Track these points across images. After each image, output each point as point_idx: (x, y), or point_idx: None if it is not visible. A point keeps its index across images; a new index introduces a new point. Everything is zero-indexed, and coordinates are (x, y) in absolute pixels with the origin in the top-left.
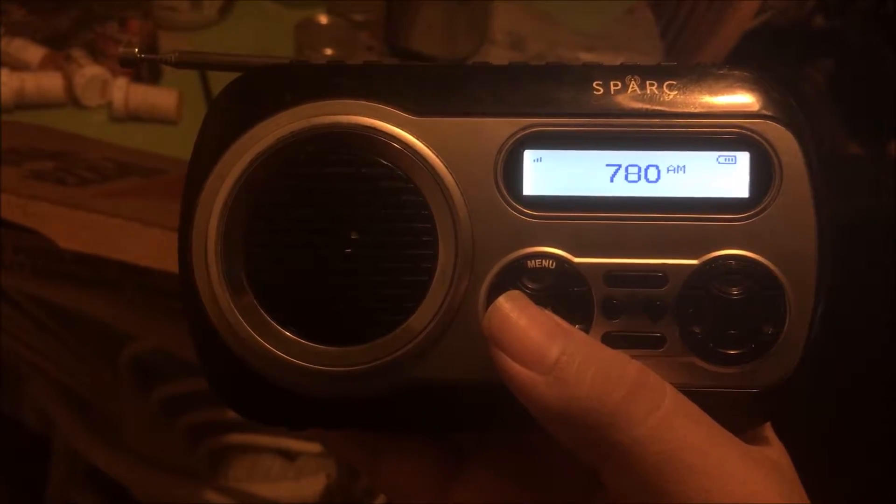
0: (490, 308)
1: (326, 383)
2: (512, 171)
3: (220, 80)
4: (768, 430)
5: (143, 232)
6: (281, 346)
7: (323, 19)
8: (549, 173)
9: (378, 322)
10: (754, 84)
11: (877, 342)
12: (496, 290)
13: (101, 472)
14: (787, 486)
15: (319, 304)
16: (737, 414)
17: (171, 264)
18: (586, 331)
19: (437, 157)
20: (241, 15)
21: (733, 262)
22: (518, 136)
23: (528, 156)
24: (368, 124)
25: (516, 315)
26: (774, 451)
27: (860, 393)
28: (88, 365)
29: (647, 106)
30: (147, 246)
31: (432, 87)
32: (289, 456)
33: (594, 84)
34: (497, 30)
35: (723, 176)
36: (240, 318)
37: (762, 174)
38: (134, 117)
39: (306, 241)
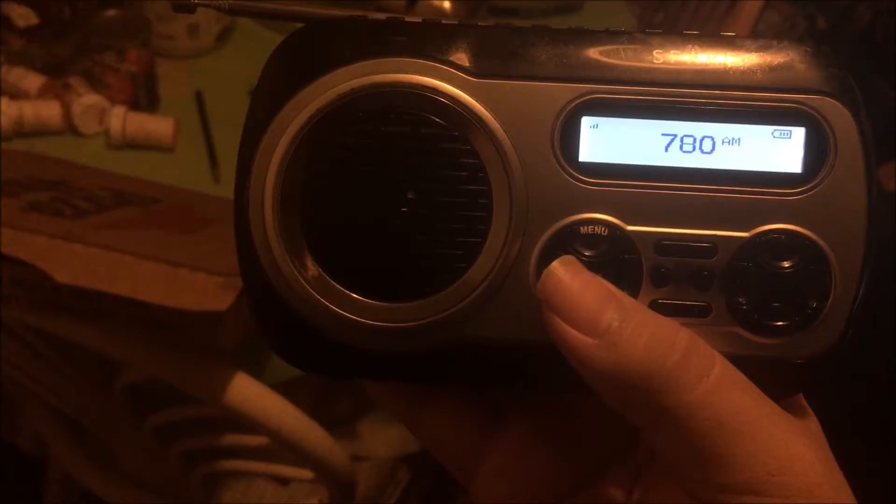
0: (544, 272)
1: (378, 337)
2: (569, 137)
3: (219, 109)
4: (802, 401)
5: (137, 266)
6: (335, 300)
7: None
8: (605, 140)
9: (431, 280)
10: (813, 59)
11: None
12: (548, 253)
13: (96, 497)
14: (824, 452)
15: (374, 260)
16: (776, 383)
17: (164, 297)
18: (634, 297)
19: (495, 119)
20: (238, 43)
21: (783, 237)
22: (576, 102)
23: (586, 122)
24: (428, 84)
25: (570, 279)
26: (810, 420)
27: (859, 422)
28: (84, 392)
29: (706, 77)
30: (141, 280)
31: (492, 49)
32: (282, 481)
33: (655, 52)
34: None
35: (777, 150)
36: (295, 272)
37: (817, 150)
38: (131, 145)
39: (363, 198)
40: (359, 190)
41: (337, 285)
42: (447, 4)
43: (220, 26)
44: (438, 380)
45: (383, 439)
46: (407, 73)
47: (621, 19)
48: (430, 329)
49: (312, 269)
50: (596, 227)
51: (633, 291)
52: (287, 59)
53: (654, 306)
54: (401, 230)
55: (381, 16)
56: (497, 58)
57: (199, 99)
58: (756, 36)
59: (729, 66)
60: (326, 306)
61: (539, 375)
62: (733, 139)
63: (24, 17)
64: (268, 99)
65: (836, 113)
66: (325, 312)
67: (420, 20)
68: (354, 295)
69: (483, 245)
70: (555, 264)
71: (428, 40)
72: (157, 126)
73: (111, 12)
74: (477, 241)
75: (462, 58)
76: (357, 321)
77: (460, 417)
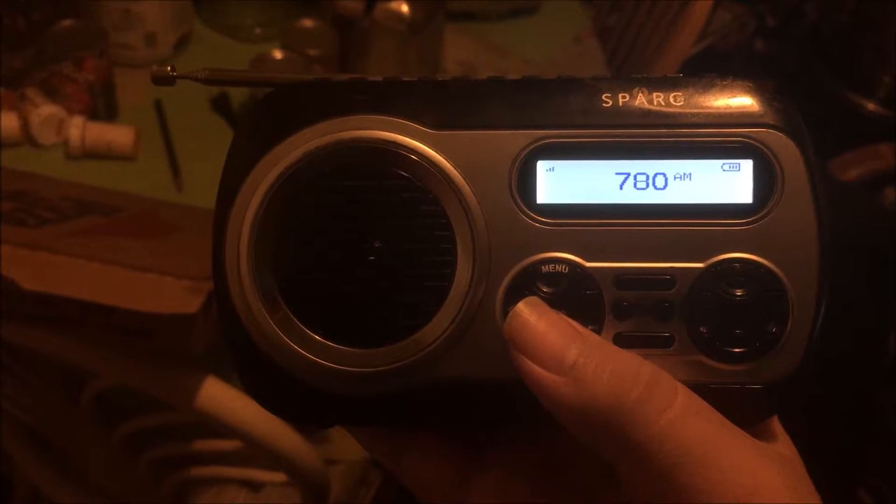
0: (510, 313)
1: (351, 383)
2: (526, 181)
3: (179, 117)
4: (776, 425)
5: (104, 271)
6: (309, 348)
7: (277, 54)
8: (561, 182)
9: (401, 325)
10: (757, 94)
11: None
12: (512, 294)
13: None
14: (796, 476)
15: (345, 308)
16: (743, 409)
17: (133, 302)
18: (598, 332)
19: (454, 168)
20: (196, 51)
21: (738, 265)
22: (531, 147)
23: (542, 166)
24: (389, 138)
25: (535, 319)
26: (782, 444)
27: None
28: (51, 404)
29: (655, 117)
30: (108, 285)
31: (449, 102)
32: (253, 486)
33: (603, 96)
34: (448, 60)
35: (727, 182)
36: (270, 322)
37: (765, 180)
38: (91, 155)
39: (332, 250)
40: (328, 242)
41: (311, 333)
42: (405, 8)
43: (178, 35)
44: (414, 424)
45: (355, 443)
46: (369, 129)
47: (576, 21)
48: (402, 373)
49: (287, 318)
50: (557, 266)
51: (597, 326)
52: (258, 122)
53: (618, 339)
54: (370, 278)
55: (344, 77)
56: (454, 110)
57: (159, 108)
58: (700, 74)
59: (675, 105)
60: (302, 354)
61: (509, 413)
62: (685, 174)
63: None
64: (241, 158)
65: (782, 144)
66: (301, 360)
67: (381, 79)
68: (328, 342)
69: (449, 289)
70: (520, 305)
71: (388, 97)
72: (118, 135)
73: (66, 22)
74: (443, 286)
75: (421, 112)
76: (331, 367)
77: (440, 458)
